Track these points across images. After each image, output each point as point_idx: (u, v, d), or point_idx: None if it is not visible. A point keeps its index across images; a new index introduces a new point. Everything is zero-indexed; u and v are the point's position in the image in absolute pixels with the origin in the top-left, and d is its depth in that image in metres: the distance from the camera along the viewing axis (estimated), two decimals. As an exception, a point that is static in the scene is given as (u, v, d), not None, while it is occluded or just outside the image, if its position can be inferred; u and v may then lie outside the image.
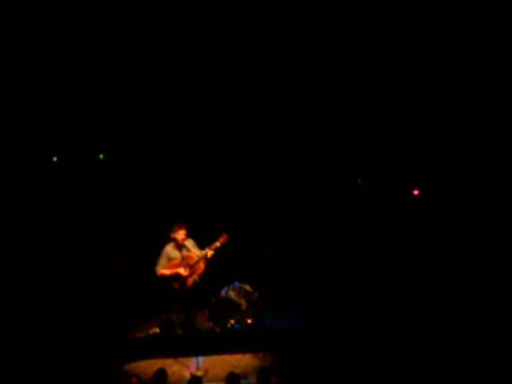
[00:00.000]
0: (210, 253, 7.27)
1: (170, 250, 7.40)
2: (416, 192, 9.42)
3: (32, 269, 9.00)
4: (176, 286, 7.36)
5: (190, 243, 7.40)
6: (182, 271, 7.29)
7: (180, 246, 7.35)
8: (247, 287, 8.14)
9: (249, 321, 7.85)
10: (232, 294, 7.93)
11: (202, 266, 7.35)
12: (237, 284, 8.13)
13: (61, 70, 8.30)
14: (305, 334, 7.54)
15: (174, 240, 7.34)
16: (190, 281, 7.35)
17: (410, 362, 6.50)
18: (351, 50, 8.16)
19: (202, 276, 7.46)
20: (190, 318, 7.56)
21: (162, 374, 5.76)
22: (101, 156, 9.61)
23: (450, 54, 8.05)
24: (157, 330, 7.78)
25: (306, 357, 6.90)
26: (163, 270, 7.34)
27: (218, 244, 7.30)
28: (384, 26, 7.87)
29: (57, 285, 8.91)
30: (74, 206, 9.62)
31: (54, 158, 9.54)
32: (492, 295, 7.69)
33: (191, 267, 7.29)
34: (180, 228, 7.31)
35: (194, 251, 7.35)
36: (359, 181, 9.94)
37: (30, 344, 7.17)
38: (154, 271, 7.37)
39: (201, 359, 7.02)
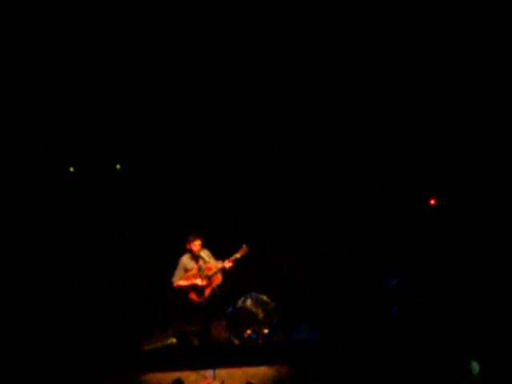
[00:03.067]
0: (228, 264, 7.24)
1: (186, 260, 7.37)
2: (433, 201, 9.34)
3: (47, 279, 9.06)
4: (193, 296, 7.34)
5: (205, 254, 7.37)
6: (199, 282, 7.25)
7: (196, 257, 7.33)
8: (264, 297, 8.11)
9: (265, 331, 7.81)
10: (249, 303, 7.90)
11: (219, 277, 7.32)
12: (254, 294, 8.10)
13: (79, 82, 8.43)
14: (321, 346, 7.50)
15: (190, 251, 7.32)
16: (207, 292, 7.33)
17: (427, 374, 6.43)
18: (370, 60, 8.19)
19: (220, 287, 7.45)
20: (207, 328, 7.54)
21: (179, 384, 5.76)
22: (118, 166, 9.66)
23: (468, 63, 8.04)
24: (174, 340, 7.79)
25: (322, 368, 6.86)
26: (180, 282, 7.31)
27: (237, 256, 7.25)
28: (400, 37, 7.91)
29: (73, 296, 8.96)
30: (89, 216, 9.68)
31: (71, 168, 9.60)
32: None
33: (209, 278, 7.27)
34: (195, 238, 7.27)
35: (211, 262, 7.34)
36: (376, 189, 9.89)
37: (47, 356, 7.21)
38: (171, 283, 7.36)
39: (217, 369, 6.99)
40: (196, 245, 7.25)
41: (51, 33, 7.78)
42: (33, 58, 8.18)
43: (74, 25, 7.70)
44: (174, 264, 7.41)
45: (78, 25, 7.71)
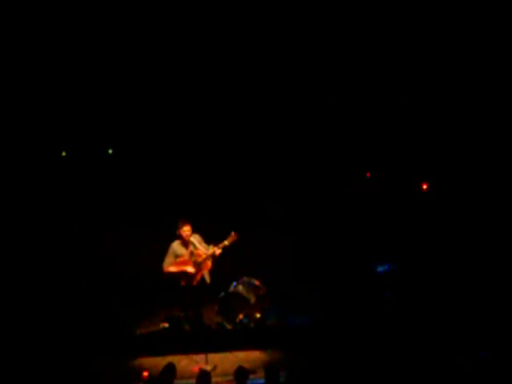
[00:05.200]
0: (217, 251, 7.22)
1: (176, 246, 7.36)
2: (425, 186, 9.36)
3: (39, 265, 9.05)
4: (182, 282, 7.33)
5: (196, 239, 7.34)
6: (189, 268, 7.24)
7: (186, 243, 7.32)
8: (256, 282, 8.14)
9: (257, 315, 7.84)
10: (241, 288, 7.92)
11: (209, 263, 7.31)
12: (245, 278, 8.12)
13: (71, 67, 8.38)
14: (313, 330, 7.53)
15: (180, 237, 7.30)
16: (196, 278, 7.32)
17: (416, 356, 6.45)
18: (360, 49, 8.20)
19: (209, 273, 7.45)
20: (198, 313, 7.56)
21: (170, 368, 5.75)
22: (110, 151, 9.63)
23: (457, 52, 8.05)
24: (166, 324, 7.81)
25: (313, 352, 6.89)
26: (170, 268, 7.29)
27: (226, 243, 7.23)
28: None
29: (67, 282, 8.96)
30: (81, 200, 9.66)
31: (63, 153, 9.58)
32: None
33: (198, 265, 7.25)
34: (184, 224, 7.25)
35: (201, 248, 7.30)
36: (368, 175, 9.91)
37: (43, 341, 7.23)
38: (161, 268, 7.35)
39: (209, 354, 7.01)
40: (185, 230, 7.23)
41: (42, 19, 7.72)
42: (26, 46, 8.11)
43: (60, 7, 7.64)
44: (165, 250, 7.40)
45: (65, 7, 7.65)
